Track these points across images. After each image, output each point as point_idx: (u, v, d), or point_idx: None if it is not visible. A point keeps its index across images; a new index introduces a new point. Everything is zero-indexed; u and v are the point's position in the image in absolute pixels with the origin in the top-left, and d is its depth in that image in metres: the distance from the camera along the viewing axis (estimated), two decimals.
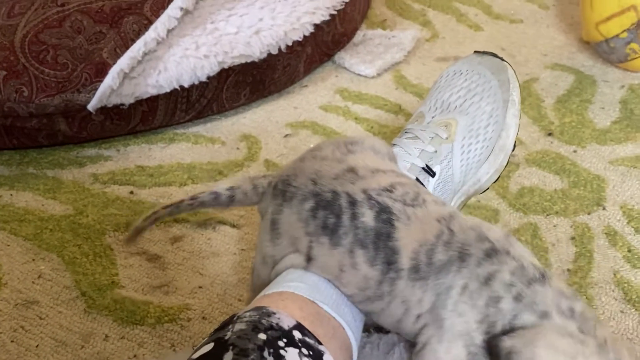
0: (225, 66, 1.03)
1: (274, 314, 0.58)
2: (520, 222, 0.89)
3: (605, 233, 0.88)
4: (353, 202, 0.62)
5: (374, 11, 1.33)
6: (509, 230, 0.88)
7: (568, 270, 0.83)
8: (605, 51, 1.13)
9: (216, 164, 1.00)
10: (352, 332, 0.63)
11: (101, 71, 0.97)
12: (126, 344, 0.77)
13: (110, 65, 0.97)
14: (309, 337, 0.58)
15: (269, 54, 1.06)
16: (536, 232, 0.88)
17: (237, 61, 1.03)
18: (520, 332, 0.55)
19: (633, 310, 0.79)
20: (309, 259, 0.64)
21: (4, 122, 0.98)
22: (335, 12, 1.13)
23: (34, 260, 0.87)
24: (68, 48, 0.97)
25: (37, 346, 0.77)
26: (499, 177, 0.81)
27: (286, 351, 0.55)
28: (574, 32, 1.25)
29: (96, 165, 1.01)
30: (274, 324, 0.57)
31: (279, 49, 1.07)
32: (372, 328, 0.74)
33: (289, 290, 0.63)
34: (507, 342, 0.55)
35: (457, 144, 0.78)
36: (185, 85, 1.01)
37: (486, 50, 0.85)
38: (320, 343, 0.58)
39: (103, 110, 0.99)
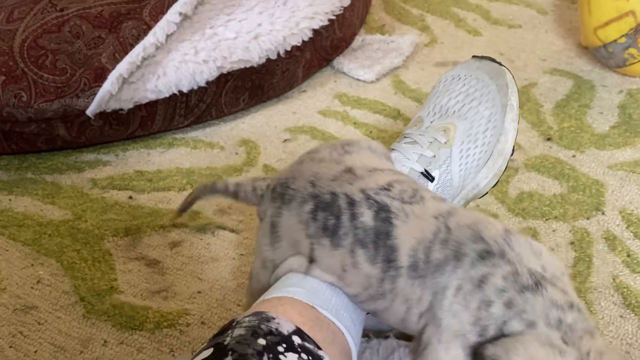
0: (224, 71, 1.03)
1: (274, 319, 0.58)
2: (519, 227, 0.89)
3: (605, 238, 0.88)
4: (352, 203, 0.62)
5: (373, 16, 1.34)
6: None
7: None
8: (604, 56, 1.13)
9: (215, 169, 1.00)
10: (352, 337, 0.63)
11: (100, 76, 0.97)
12: (125, 349, 0.77)
13: (109, 70, 0.97)
14: (308, 342, 0.58)
15: (268, 59, 1.06)
16: (535, 237, 0.87)
17: (236, 66, 1.04)
18: (503, 341, 0.55)
19: (632, 315, 0.79)
20: (311, 260, 0.64)
21: (2, 127, 0.98)
22: (334, 17, 1.13)
23: (32, 265, 0.86)
24: (67, 53, 0.97)
25: (35, 352, 0.77)
26: (498, 181, 0.81)
27: (285, 356, 0.55)
28: (572, 37, 1.25)
29: (95, 170, 1.01)
30: (274, 329, 0.57)
31: (278, 54, 1.07)
32: (372, 333, 0.74)
33: (288, 295, 0.62)
34: (490, 350, 0.55)
35: (455, 148, 0.78)
36: (184, 90, 1.01)
37: (485, 55, 0.85)
38: (319, 348, 0.58)
39: (102, 115, 0.99)
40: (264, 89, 1.10)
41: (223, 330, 0.58)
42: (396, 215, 0.61)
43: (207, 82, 1.02)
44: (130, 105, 1.00)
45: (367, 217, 0.62)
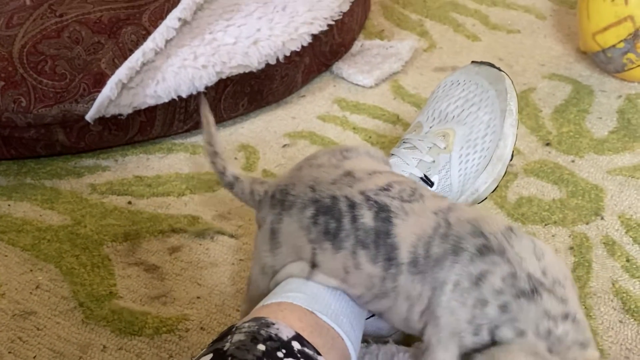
0: (224, 76, 1.03)
1: (273, 324, 0.58)
2: None
3: (604, 243, 0.88)
4: (352, 205, 0.62)
5: (372, 21, 1.34)
6: None
7: None
8: (603, 61, 1.13)
9: (214, 174, 0.99)
10: (351, 342, 0.63)
11: (99, 81, 0.97)
12: (124, 354, 0.76)
13: (109, 76, 0.97)
14: (308, 348, 0.57)
15: (267, 64, 1.06)
16: None
17: (235, 71, 1.04)
18: (491, 350, 0.55)
19: (632, 320, 0.79)
20: (313, 265, 0.64)
21: (2, 133, 0.98)
22: (333, 23, 1.13)
23: (31, 270, 0.86)
24: (66, 58, 0.97)
25: (34, 357, 0.77)
26: (497, 186, 0.81)
27: None
28: (571, 42, 1.26)
29: (94, 175, 1.01)
30: (273, 335, 0.57)
31: (277, 59, 1.07)
32: (371, 338, 0.74)
33: (287, 301, 0.62)
34: (478, 359, 0.55)
35: (455, 154, 0.78)
36: (184, 95, 1.01)
37: (484, 60, 0.85)
38: (319, 354, 0.58)
39: (101, 120, 0.99)
40: (263, 94, 1.10)
41: (222, 336, 0.58)
42: (396, 214, 0.61)
43: (207, 88, 1.02)
44: (130, 111, 1.00)
45: (367, 218, 0.62)
